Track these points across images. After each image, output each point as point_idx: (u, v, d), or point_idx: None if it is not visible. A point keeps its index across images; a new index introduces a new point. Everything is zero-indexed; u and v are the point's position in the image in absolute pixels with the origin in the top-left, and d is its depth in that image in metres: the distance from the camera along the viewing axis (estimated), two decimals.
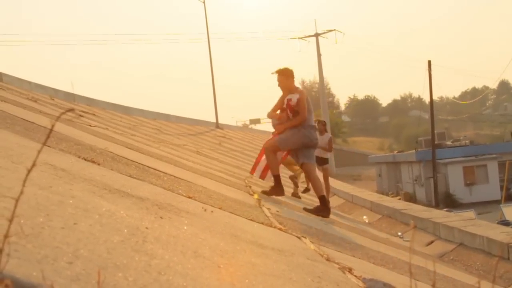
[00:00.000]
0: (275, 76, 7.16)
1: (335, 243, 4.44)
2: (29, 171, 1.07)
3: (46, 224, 1.53)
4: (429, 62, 34.77)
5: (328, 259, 3.09)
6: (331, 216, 7.08)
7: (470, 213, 21.53)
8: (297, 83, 7.24)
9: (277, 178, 7.12)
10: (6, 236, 1.03)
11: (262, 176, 7.93)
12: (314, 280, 2.30)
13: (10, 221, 1.05)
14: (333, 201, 15.91)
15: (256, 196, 6.20)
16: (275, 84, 7.27)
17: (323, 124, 11.53)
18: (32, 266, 1.15)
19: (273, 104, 7.37)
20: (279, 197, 7.31)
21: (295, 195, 9.95)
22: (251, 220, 3.85)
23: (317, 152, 10.39)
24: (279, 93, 7.34)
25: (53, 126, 1.09)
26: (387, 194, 34.88)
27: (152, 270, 1.47)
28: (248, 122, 69.74)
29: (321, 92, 55.15)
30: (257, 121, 67.78)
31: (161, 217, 2.40)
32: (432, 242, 8.53)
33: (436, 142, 36.49)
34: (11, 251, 1.14)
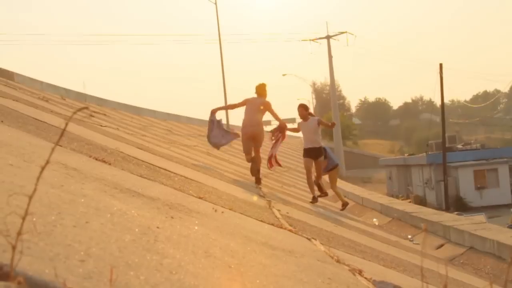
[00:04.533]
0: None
1: (345, 245, 4.43)
2: (42, 169, 1.07)
3: (58, 222, 1.54)
4: (441, 65, 34.63)
5: (338, 261, 3.08)
6: (341, 218, 7.11)
7: (480, 217, 21.41)
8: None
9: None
10: (19, 233, 1.04)
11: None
12: (325, 281, 2.29)
13: (23, 218, 1.05)
14: None
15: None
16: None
17: (305, 108, 9.28)
18: (44, 264, 1.16)
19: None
20: (287, 199, 7.40)
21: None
22: (261, 221, 3.84)
23: (309, 143, 9.09)
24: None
25: (66, 125, 1.09)
26: (397, 197, 34.76)
27: (163, 269, 1.48)
28: None
29: (332, 94, 55.11)
30: (267, 122, 67.82)
31: (172, 217, 2.41)
32: (442, 245, 8.48)
33: (447, 146, 36.30)
34: (23, 248, 1.14)
